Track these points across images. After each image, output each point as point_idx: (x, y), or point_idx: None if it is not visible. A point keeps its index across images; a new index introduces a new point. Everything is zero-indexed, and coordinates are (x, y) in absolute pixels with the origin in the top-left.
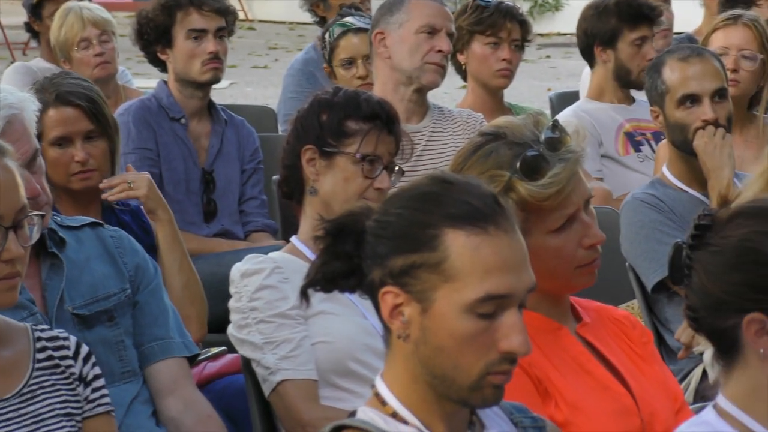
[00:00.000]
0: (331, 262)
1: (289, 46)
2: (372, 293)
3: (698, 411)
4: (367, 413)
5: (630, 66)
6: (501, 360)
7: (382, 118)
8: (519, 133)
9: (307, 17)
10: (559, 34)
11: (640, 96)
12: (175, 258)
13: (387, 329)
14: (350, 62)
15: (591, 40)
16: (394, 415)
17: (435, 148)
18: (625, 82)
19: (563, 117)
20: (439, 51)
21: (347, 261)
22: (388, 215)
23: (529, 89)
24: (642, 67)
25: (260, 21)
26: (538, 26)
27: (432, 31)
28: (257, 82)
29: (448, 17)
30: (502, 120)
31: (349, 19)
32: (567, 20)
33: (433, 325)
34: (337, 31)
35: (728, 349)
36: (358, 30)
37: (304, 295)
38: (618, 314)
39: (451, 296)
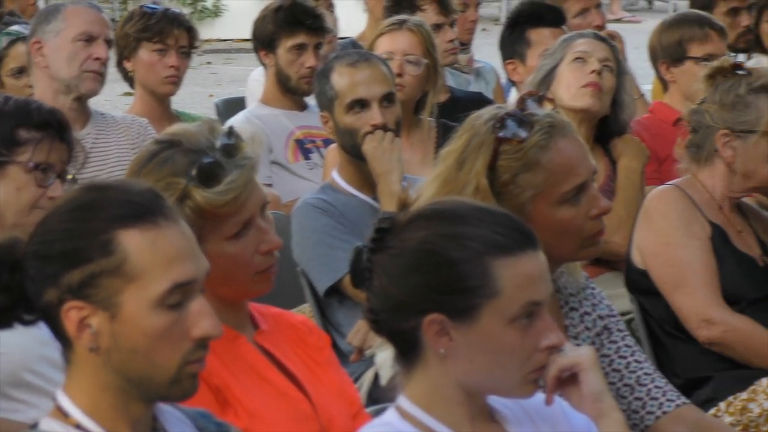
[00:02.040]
0: None
1: None
2: (50, 315)
3: (375, 414)
4: (50, 425)
5: (289, 72)
6: (195, 348)
7: (54, 126)
8: (194, 140)
9: None
10: (220, 40)
11: (313, 101)
12: None
13: (68, 345)
14: (20, 71)
15: (256, 45)
16: (78, 427)
17: (99, 155)
18: (286, 88)
19: (235, 123)
20: (97, 59)
21: (5, 293)
22: (49, 234)
23: (191, 96)
24: (301, 74)
25: None
26: (199, 32)
27: (89, 39)
28: None
29: (106, 24)
30: (176, 127)
31: (15, 28)
32: (227, 26)
33: (124, 329)
34: (5, 40)
35: (409, 351)
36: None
37: None
38: (295, 320)
39: (138, 295)
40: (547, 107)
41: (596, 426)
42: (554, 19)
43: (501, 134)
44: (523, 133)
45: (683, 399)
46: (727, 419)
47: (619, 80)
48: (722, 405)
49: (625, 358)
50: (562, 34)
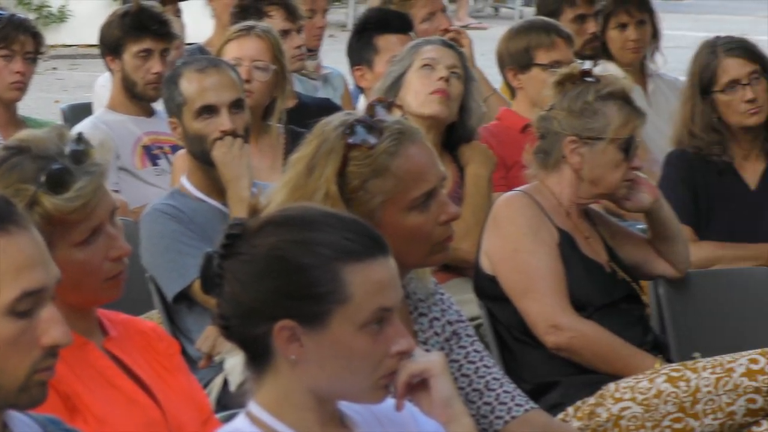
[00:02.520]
0: None
1: None
2: None
3: (225, 420)
4: None
5: (135, 78)
6: (45, 356)
7: None
8: (43, 146)
9: None
10: (65, 46)
11: (161, 107)
12: None
13: None
14: None
15: (103, 50)
16: None
17: None
18: (132, 94)
19: (82, 128)
20: None
21: None
22: None
23: (36, 101)
24: (147, 79)
25: None
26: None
27: None
28: None
29: None
30: (25, 133)
31: None
32: (73, 31)
33: None
34: None
35: (259, 357)
36: None
37: None
38: (145, 326)
39: None
40: (396, 114)
41: (446, 431)
42: (401, 25)
43: (350, 140)
44: (372, 140)
45: (532, 404)
46: (576, 424)
47: (466, 87)
48: (570, 410)
49: (473, 363)
50: (410, 41)
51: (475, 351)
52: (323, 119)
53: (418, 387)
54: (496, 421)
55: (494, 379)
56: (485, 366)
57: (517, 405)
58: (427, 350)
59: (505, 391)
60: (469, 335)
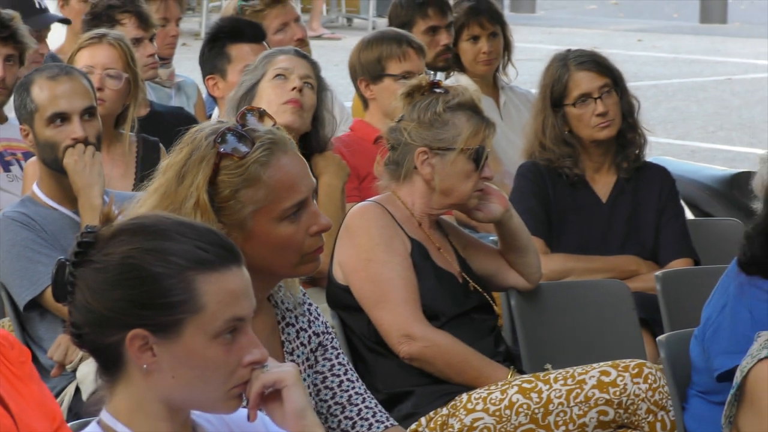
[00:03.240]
0: None
1: None
2: None
3: (77, 429)
4: None
5: None
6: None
7: None
8: None
9: None
10: None
11: (13, 114)
12: None
13: None
14: None
15: None
16: None
17: None
18: None
19: None
20: None
21: None
22: None
23: None
24: None
25: None
26: None
27: None
28: None
29: None
30: None
31: None
32: None
33: None
34: None
35: (112, 365)
36: None
37: None
38: None
39: None
40: (268, 123)
41: None
42: (254, 34)
43: (222, 149)
44: (243, 149)
45: (392, 421)
46: None
47: (319, 97)
48: (423, 420)
49: (338, 376)
50: (263, 50)
51: (340, 364)
52: (192, 127)
53: (270, 397)
54: None
55: (357, 393)
56: (349, 380)
57: (377, 421)
58: (293, 360)
59: (367, 407)
60: (335, 348)
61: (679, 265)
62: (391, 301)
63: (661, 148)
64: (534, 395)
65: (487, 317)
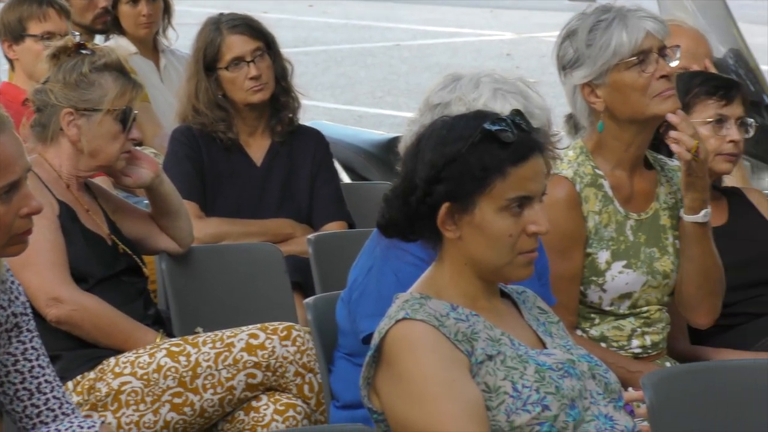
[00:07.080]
0: None
1: None
2: None
3: None
4: None
5: None
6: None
7: None
8: None
9: None
10: None
11: None
12: None
13: None
14: None
15: None
16: None
17: None
18: None
19: None
20: None
21: None
22: None
23: None
24: None
25: None
26: None
27: None
28: None
29: None
30: None
31: None
32: None
33: None
34: None
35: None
36: None
37: None
38: None
39: None
40: None
41: None
42: None
43: None
44: None
45: (78, 413)
46: (75, 398)
47: None
48: (70, 384)
49: (30, 361)
50: None
51: (33, 348)
52: None
53: None
54: (39, 425)
55: (47, 381)
56: (40, 366)
57: (63, 414)
58: None
59: (55, 397)
60: (30, 330)
61: (332, 228)
62: (38, 264)
63: (329, 113)
64: (182, 358)
65: (136, 280)
